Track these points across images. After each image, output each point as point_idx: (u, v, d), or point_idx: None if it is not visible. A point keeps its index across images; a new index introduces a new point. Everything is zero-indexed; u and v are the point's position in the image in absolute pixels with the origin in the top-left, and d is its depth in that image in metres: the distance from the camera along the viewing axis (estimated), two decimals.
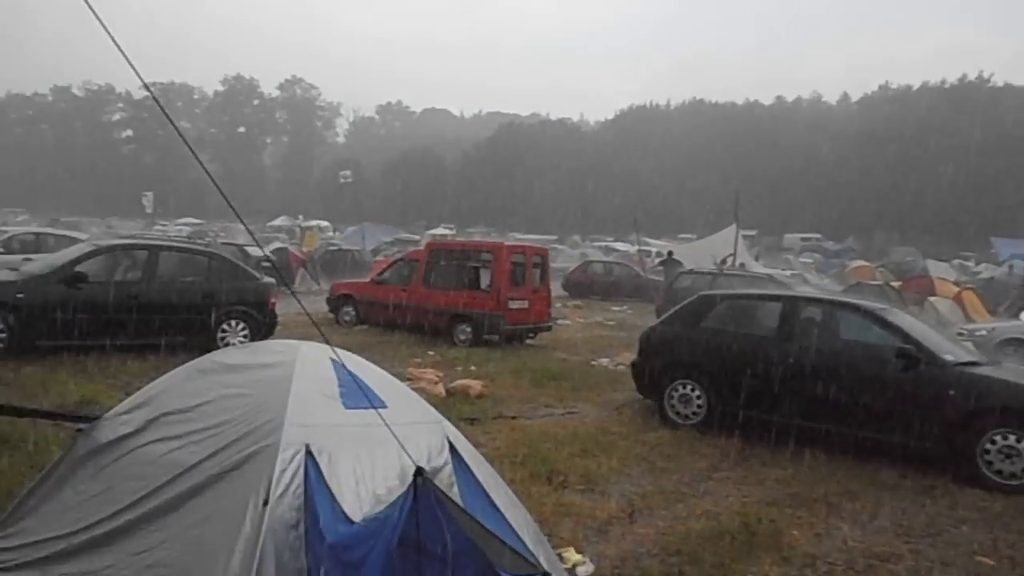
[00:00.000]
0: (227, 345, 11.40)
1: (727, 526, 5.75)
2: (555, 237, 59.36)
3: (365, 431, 3.42)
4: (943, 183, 66.92)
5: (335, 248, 32.34)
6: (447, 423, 4.00)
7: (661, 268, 26.47)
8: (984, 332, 15.10)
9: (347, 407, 3.55)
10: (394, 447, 3.34)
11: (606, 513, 5.88)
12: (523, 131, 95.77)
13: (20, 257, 16.07)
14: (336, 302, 16.65)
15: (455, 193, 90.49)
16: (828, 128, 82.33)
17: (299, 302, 3.70)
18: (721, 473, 7.31)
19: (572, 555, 5.01)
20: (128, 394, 7.85)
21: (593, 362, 13.59)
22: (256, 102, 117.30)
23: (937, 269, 33.57)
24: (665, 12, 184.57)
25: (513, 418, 8.87)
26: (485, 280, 14.76)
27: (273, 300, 12.44)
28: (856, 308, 8.86)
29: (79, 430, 3.99)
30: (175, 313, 11.29)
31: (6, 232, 20.61)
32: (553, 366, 12.56)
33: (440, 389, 9.54)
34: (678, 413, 9.04)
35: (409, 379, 9.43)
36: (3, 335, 10.04)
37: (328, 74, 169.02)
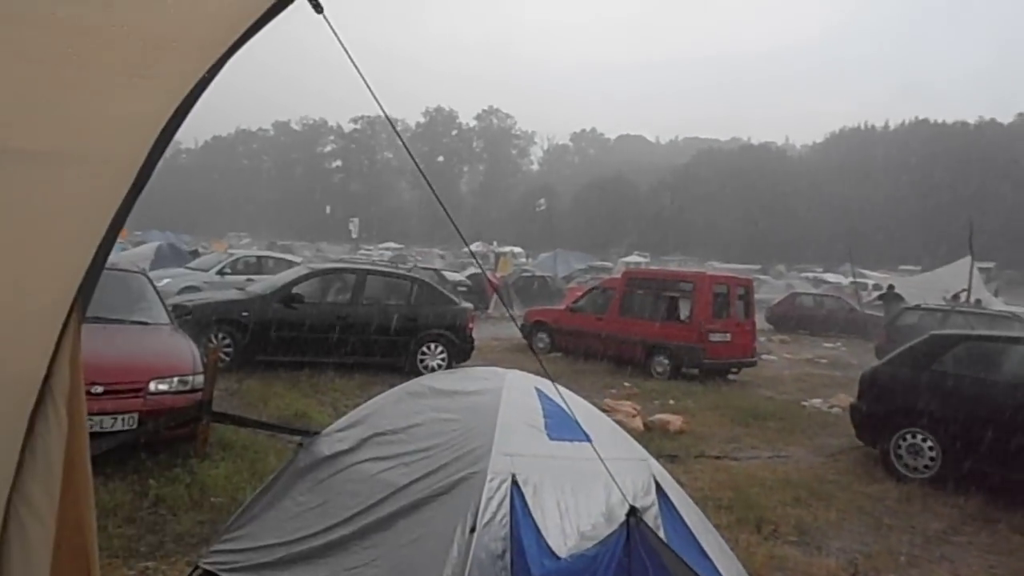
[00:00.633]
0: (426, 367, 11.85)
1: None
2: (758, 267, 56.91)
3: (570, 464, 3.37)
4: None
5: (528, 274, 32.90)
6: (653, 460, 3.85)
7: (880, 303, 24.56)
8: None
9: (551, 438, 3.51)
10: (600, 482, 3.27)
11: (824, 571, 5.34)
12: (722, 156, 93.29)
13: (244, 278, 17.72)
14: (531, 328, 16.69)
15: (649, 220, 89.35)
16: None
17: (517, 326, 3.64)
18: (961, 537, 6.45)
19: None
20: (336, 409, 8.47)
21: (804, 403, 12.66)
22: (454, 132, 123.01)
23: None
24: (880, 28, 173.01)
25: (717, 458, 8.41)
26: (685, 311, 14.33)
27: (471, 325, 12.71)
28: None
29: (300, 444, 4.21)
30: (379, 334, 11.75)
31: (233, 255, 22.45)
32: (758, 404, 11.88)
33: (638, 423, 9.26)
34: (906, 465, 8.12)
35: (606, 410, 9.16)
36: (229, 349, 10.72)
37: (523, 104, 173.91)
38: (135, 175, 1.83)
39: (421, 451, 3.52)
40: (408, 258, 49.95)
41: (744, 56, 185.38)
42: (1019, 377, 7.80)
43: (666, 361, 13.99)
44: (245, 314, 11.01)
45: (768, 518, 6.30)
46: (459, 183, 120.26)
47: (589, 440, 3.46)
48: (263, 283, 13.05)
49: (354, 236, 63.33)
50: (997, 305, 26.11)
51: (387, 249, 68.05)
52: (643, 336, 14.34)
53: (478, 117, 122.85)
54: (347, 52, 2.01)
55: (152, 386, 6.21)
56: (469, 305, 13.48)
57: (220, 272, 19.28)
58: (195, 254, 26.79)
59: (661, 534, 3.34)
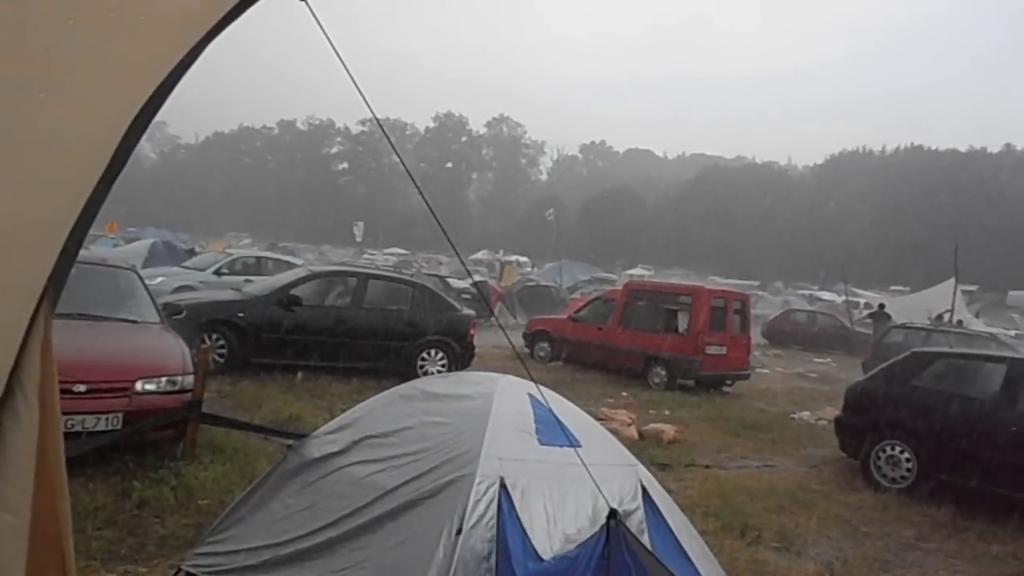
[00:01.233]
0: (425, 373, 11.73)
1: None
2: (756, 283, 57.34)
3: (558, 469, 3.45)
4: None
5: (533, 284, 33.04)
6: (641, 467, 3.97)
7: (870, 321, 25.12)
8: None
9: (542, 443, 3.59)
10: (587, 487, 3.35)
11: (802, 575, 5.64)
12: (727, 174, 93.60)
13: (242, 278, 17.29)
14: (533, 337, 16.99)
15: (655, 234, 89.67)
16: None
17: (507, 338, 3.92)
18: (931, 544, 6.81)
19: None
20: (332, 414, 8.31)
21: (793, 415, 13.03)
22: (464, 139, 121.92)
23: None
24: (881, 50, 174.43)
25: (707, 467, 8.67)
26: (683, 323, 14.60)
27: (472, 332, 12.70)
28: None
29: (289, 446, 4.23)
30: (379, 339, 11.64)
31: (231, 255, 21.84)
32: (750, 416, 12.19)
33: (633, 431, 9.51)
34: (884, 475, 8.51)
35: (602, 419, 9.52)
36: (223, 351, 10.54)
37: (533, 114, 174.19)
38: (108, 161, 1.75)
39: (411, 454, 3.54)
40: (413, 264, 50.09)
41: (750, 78, 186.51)
42: (990, 393, 8.19)
43: (663, 372, 14.26)
44: (241, 315, 10.85)
45: (752, 525, 6.54)
46: (467, 190, 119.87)
47: (579, 446, 3.56)
48: (261, 284, 12.88)
49: (358, 240, 62.79)
50: (977, 326, 26.92)
51: (392, 254, 67.81)
52: (642, 347, 14.63)
53: (488, 125, 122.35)
54: (333, 46, 1.95)
55: (138, 386, 6.06)
56: (471, 312, 13.45)
57: (217, 272, 18.81)
58: (191, 253, 26.01)
59: (645, 538, 3.46)
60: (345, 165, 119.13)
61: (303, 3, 1.79)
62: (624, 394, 13.07)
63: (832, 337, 27.18)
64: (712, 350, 14.35)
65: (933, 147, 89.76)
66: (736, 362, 15.00)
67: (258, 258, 21.93)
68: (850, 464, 9.20)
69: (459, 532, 3.05)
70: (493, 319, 23.62)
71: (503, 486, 3.24)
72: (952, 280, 26.05)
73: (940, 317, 24.09)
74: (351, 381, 10.92)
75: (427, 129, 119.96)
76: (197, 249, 30.17)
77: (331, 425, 4.25)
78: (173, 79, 1.72)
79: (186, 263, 21.10)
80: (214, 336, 10.53)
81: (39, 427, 1.83)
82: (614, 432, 8.02)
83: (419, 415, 3.89)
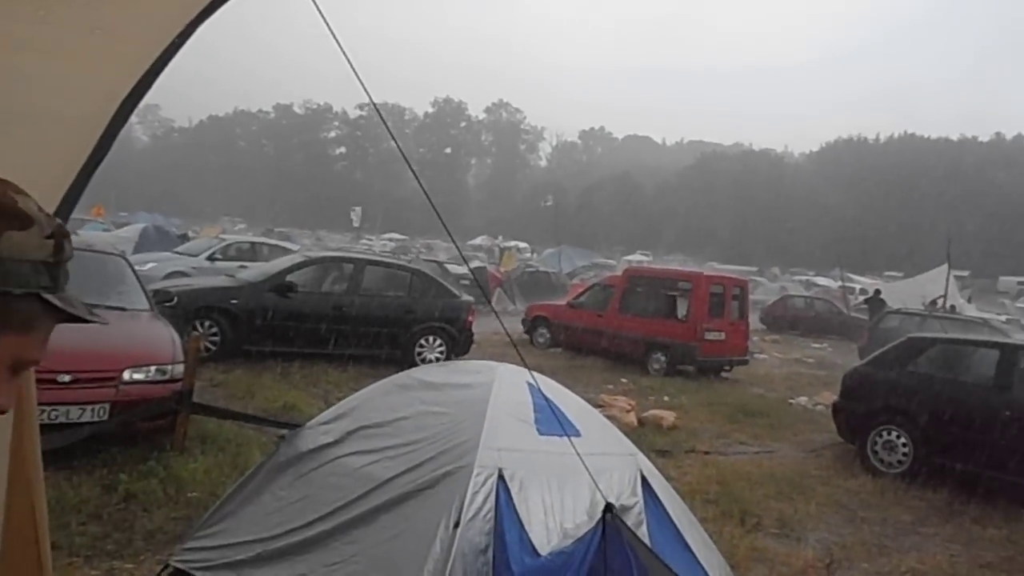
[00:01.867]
0: (424, 360, 11.68)
1: None
2: (754, 269, 57.33)
3: (558, 459, 3.36)
4: None
5: (532, 270, 32.94)
6: (641, 456, 3.89)
7: (865, 306, 25.17)
8: None
9: (541, 433, 3.51)
10: (586, 478, 3.27)
11: (802, 561, 5.58)
12: (725, 160, 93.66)
13: (236, 264, 17.08)
14: (532, 323, 16.90)
15: (653, 220, 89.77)
16: None
17: (502, 324, 3.82)
18: (928, 528, 6.81)
19: None
20: (327, 403, 8.10)
21: (791, 400, 13.01)
22: (463, 124, 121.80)
23: None
24: (877, 42, 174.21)
25: (706, 453, 8.64)
26: (682, 309, 14.55)
27: (470, 318, 12.59)
28: None
29: (281, 436, 4.12)
30: (376, 326, 11.48)
31: (225, 240, 21.51)
32: (749, 402, 12.16)
33: (632, 418, 9.46)
34: (881, 460, 8.50)
35: (601, 406, 9.49)
36: (216, 338, 10.36)
37: (532, 100, 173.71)
38: (93, 146, 1.69)
39: (407, 445, 3.46)
40: (411, 249, 49.94)
41: (749, 67, 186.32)
42: (984, 378, 8.23)
43: (663, 358, 14.23)
44: (234, 302, 10.65)
45: (752, 511, 6.51)
46: (466, 176, 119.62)
47: (578, 435, 3.48)
48: (255, 270, 12.67)
49: (356, 225, 62.48)
50: (970, 311, 27.05)
51: (390, 240, 67.67)
52: (641, 333, 14.58)
53: (487, 110, 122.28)
54: (330, 29, 1.90)
55: (126, 375, 5.89)
56: (470, 298, 13.32)
57: (210, 258, 18.54)
58: (184, 238, 25.46)
59: (644, 530, 3.40)
60: (343, 150, 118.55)
61: None
62: (623, 380, 13.05)
63: (829, 322, 27.27)
64: (711, 336, 14.31)
65: (926, 136, 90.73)
66: (735, 348, 14.97)
67: (253, 243, 21.59)
68: (848, 449, 9.18)
69: (457, 525, 2.98)
70: (497, 305, 23.70)
71: (501, 477, 3.16)
72: (945, 266, 26.14)
73: (934, 303, 24.11)
74: (348, 369, 10.76)
75: (426, 114, 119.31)
76: (190, 234, 29.78)
77: (326, 415, 4.15)
78: (163, 61, 1.66)
79: (178, 248, 20.72)
80: (207, 323, 10.38)
81: (13, 420, 1.75)
82: (614, 419, 8.03)
83: (416, 404, 3.80)
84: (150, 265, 16.30)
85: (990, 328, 19.07)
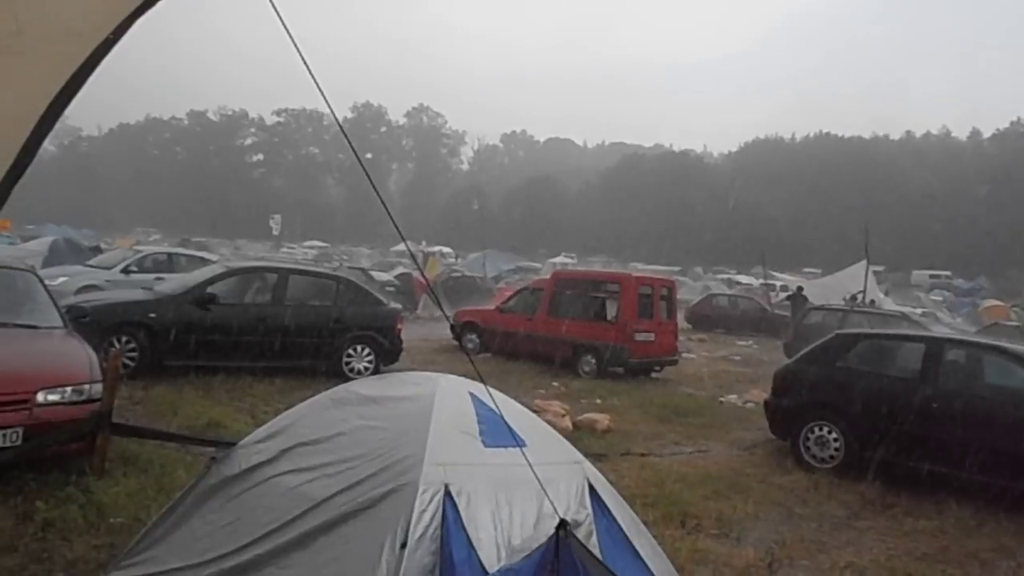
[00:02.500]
0: (352, 370, 11.51)
1: None
2: (677, 268, 58.48)
3: (504, 472, 3.28)
4: None
5: (458, 275, 32.87)
6: (587, 463, 3.83)
7: (788, 303, 25.91)
8: None
9: (486, 445, 3.42)
10: (534, 490, 3.21)
11: (744, 561, 5.60)
12: (646, 162, 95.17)
13: (153, 276, 16.40)
14: (460, 329, 16.65)
15: (576, 222, 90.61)
16: (958, 164, 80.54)
17: (461, 344, 3.65)
18: (863, 522, 6.93)
19: None
20: (254, 417, 8.05)
21: (721, 399, 13.21)
22: (383, 129, 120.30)
23: None
24: (791, 44, 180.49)
25: (642, 455, 8.65)
26: (611, 311, 14.61)
27: (400, 326, 12.42)
28: (1004, 351, 8.36)
29: (212, 458, 3.95)
30: (302, 337, 11.21)
31: (140, 251, 20.68)
32: (680, 401, 12.28)
33: (567, 422, 9.39)
34: (814, 456, 8.65)
35: (536, 410, 9.39)
36: (134, 354, 9.99)
37: (453, 104, 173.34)
38: (14, 157, 1.63)
39: (346, 461, 3.32)
40: (333, 257, 49.21)
41: (666, 67, 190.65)
42: (911, 371, 8.46)
43: (593, 360, 14.23)
44: (153, 316, 10.26)
45: (691, 513, 6.53)
46: (388, 181, 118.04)
47: (524, 445, 3.40)
48: (174, 282, 12.24)
49: (276, 234, 61.07)
50: (888, 305, 28.20)
51: (311, 247, 66.60)
52: (571, 336, 14.54)
53: (408, 115, 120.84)
54: (292, 38, 1.86)
55: (40, 397, 5.59)
56: (398, 306, 13.17)
57: (125, 270, 17.74)
58: (96, 250, 24.39)
59: (594, 539, 3.34)
60: (260, 157, 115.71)
61: None
62: (555, 384, 13.04)
63: (753, 320, 27.92)
64: (641, 337, 14.41)
65: (840, 135, 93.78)
66: (664, 348, 15.12)
67: (170, 254, 20.71)
68: (780, 446, 9.33)
69: (404, 545, 2.85)
70: (423, 311, 23.47)
71: (448, 494, 3.04)
72: (864, 262, 27.06)
73: (854, 298, 24.98)
74: (274, 381, 10.48)
75: (345, 119, 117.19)
76: (103, 246, 28.56)
77: (259, 433, 3.98)
78: (85, 70, 1.56)
79: (91, 261, 19.82)
80: (124, 339, 9.95)
81: None
82: (549, 424, 7.91)
83: (354, 419, 3.65)
84: (61, 279, 15.59)
85: (909, 321, 19.90)
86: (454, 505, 3.03)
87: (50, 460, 5.69)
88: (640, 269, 44.59)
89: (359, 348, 11.84)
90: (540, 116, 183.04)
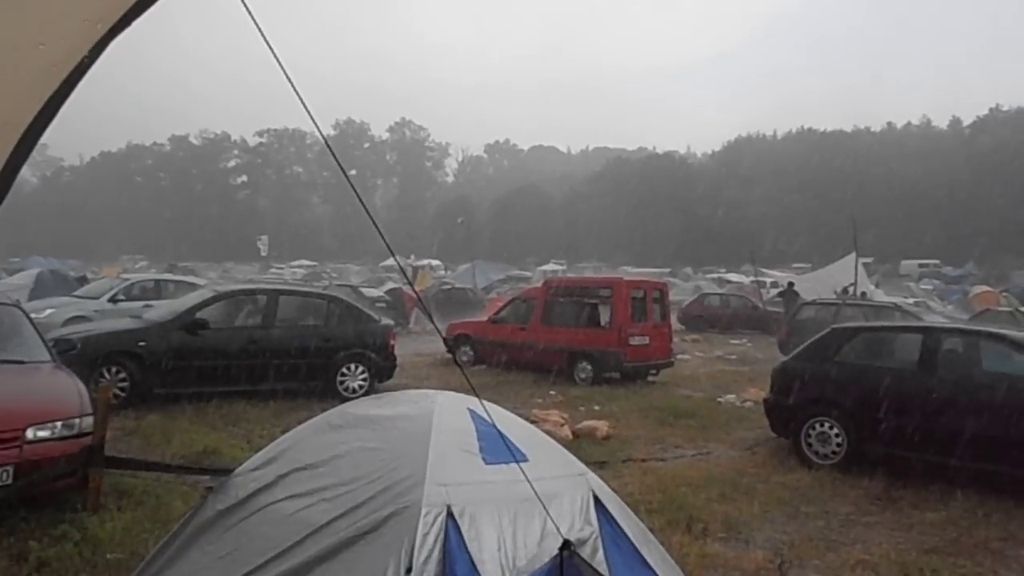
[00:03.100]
0: (347, 389, 11.43)
1: None
2: (667, 270, 58.61)
3: (507, 489, 3.18)
4: None
5: (448, 287, 32.80)
6: (591, 474, 3.74)
7: (780, 299, 25.90)
8: None
9: (487, 462, 3.33)
10: (537, 507, 3.11)
11: (753, 564, 5.54)
12: (630, 165, 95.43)
13: (141, 304, 16.33)
14: (453, 342, 16.55)
15: (564, 229, 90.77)
16: (940, 153, 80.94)
17: (454, 357, 3.59)
18: (870, 517, 6.87)
19: None
20: (250, 443, 7.96)
21: (719, 399, 13.14)
22: (367, 145, 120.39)
23: None
24: (768, 43, 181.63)
25: (643, 461, 8.58)
26: (605, 316, 14.59)
27: (392, 342, 12.35)
28: (1002, 338, 8.34)
29: (208, 488, 3.89)
30: (295, 358, 11.14)
31: (127, 279, 20.49)
32: (678, 404, 12.21)
33: (567, 431, 9.33)
34: (816, 452, 8.60)
35: (534, 421, 9.34)
36: (125, 384, 9.92)
37: (436, 116, 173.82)
38: None
39: (344, 484, 3.23)
40: (322, 275, 49.02)
41: (645, 72, 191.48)
42: (909, 362, 8.42)
43: (589, 367, 14.17)
44: (142, 344, 10.16)
45: (697, 517, 6.46)
46: (373, 197, 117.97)
47: (526, 460, 3.32)
48: (162, 309, 12.13)
49: (263, 254, 61.06)
50: (880, 296, 28.20)
51: (300, 267, 66.38)
52: (566, 343, 14.49)
53: (390, 129, 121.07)
54: (272, 50, 1.82)
55: (30, 433, 5.49)
56: (390, 322, 13.13)
57: (112, 299, 17.62)
58: (83, 280, 24.32)
59: (601, 554, 3.23)
60: (244, 178, 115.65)
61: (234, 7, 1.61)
62: (552, 392, 12.94)
63: (746, 318, 27.95)
64: (635, 341, 14.34)
65: (821, 129, 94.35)
66: (659, 351, 15.05)
67: (157, 281, 20.71)
68: (781, 444, 9.28)
69: (409, 571, 2.73)
70: (416, 326, 23.39)
71: (450, 515, 2.94)
72: (853, 255, 27.07)
73: (846, 291, 25.01)
74: (268, 404, 10.38)
75: (328, 137, 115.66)
76: (89, 276, 28.45)
77: (255, 460, 3.87)
78: (60, 96, 1.50)
79: (77, 292, 19.72)
80: (114, 369, 9.87)
81: None
82: (549, 434, 7.82)
83: (352, 441, 3.55)
84: (48, 312, 15.53)
85: (902, 312, 19.91)
86: (456, 526, 2.93)
87: (43, 497, 5.58)
88: (630, 272, 44.66)
89: (353, 366, 11.75)
90: (523, 125, 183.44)
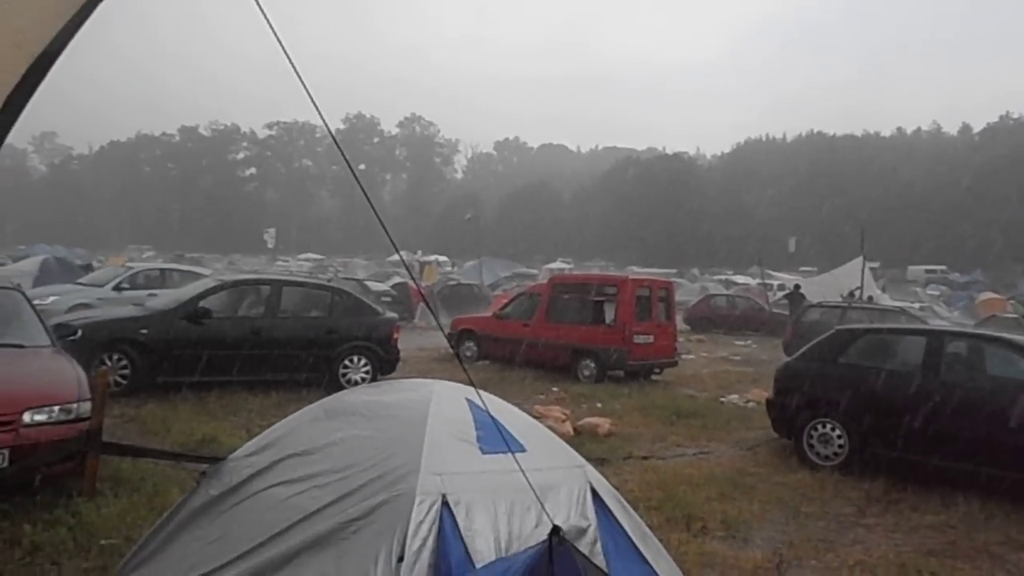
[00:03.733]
0: (349, 381, 11.36)
1: None
2: (674, 271, 58.48)
3: (504, 479, 3.15)
4: None
5: (454, 283, 32.80)
6: (590, 467, 3.71)
7: (786, 302, 25.87)
8: None
9: (484, 452, 3.30)
10: (533, 496, 3.07)
11: (751, 563, 5.50)
12: (640, 165, 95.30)
13: (145, 293, 16.27)
14: (458, 337, 16.61)
15: (572, 227, 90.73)
16: (949, 159, 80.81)
17: (450, 345, 3.57)
18: (870, 519, 6.83)
19: None
20: (249, 432, 7.75)
21: (722, 399, 13.10)
22: (376, 140, 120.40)
23: None
24: (779, 45, 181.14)
25: (644, 458, 8.53)
26: (609, 314, 14.54)
27: (396, 335, 12.30)
28: (1005, 342, 8.28)
29: (202, 473, 3.87)
30: (298, 349, 11.12)
31: (132, 268, 20.47)
32: (681, 403, 12.16)
33: (568, 427, 9.30)
34: (817, 453, 8.54)
35: (536, 416, 9.31)
36: (126, 371, 9.91)
37: (446, 112, 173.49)
38: None
39: (337, 471, 3.20)
40: (329, 268, 49.08)
41: (655, 71, 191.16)
42: (912, 365, 8.35)
43: (592, 364, 14.13)
44: (144, 332, 10.12)
45: (696, 515, 6.43)
46: (382, 191, 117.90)
47: (523, 451, 3.31)
48: (165, 297, 12.08)
49: (270, 247, 60.93)
50: (886, 300, 28.20)
51: (307, 260, 66.52)
52: (570, 340, 14.45)
53: (400, 125, 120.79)
54: (285, 51, 1.79)
55: (27, 417, 5.47)
56: (394, 315, 13.06)
57: (117, 287, 17.60)
58: (88, 268, 24.34)
59: (598, 547, 3.20)
60: (253, 171, 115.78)
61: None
62: (555, 389, 12.93)
63: (751, 320, 27.88)
64: (640, 339, 14.31)
65: (831, 133, 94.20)
66: (664, 350, 15.00)
67: (163, 270, 20.54)
68: (783, 444, 9.23)
69: (401, 559, 2.70)
70: (421, 320, 23.40)
71: (445, 503, 2.91)
72: (860, 258, 27.12)
73: (852, 294, 24.99)
74: (270, 395, 10.35)
75: (337, 131, 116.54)
76: (95, 264, 28.55)
77: (249, 446, 3.85)
78: (29, 83, 1.48)
79: (82, 280, 19.63)
80: (115, 356, 9.84)
81: None
82: (550, 429, 7.80)
83: (347, 429, 3.52)
84: (52, 298, 15.47)
85: (908, 316, 19.93)
86: (452, 515, 2.90)
87: (39, 482, 5.54)
88: (637, 272, 44.54)
89: (355, 359, 11.71)
90: (533, 123, 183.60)
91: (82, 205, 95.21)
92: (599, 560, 3.12)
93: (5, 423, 5.38)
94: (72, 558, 4.71)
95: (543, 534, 2.95)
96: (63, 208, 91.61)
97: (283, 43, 1.71)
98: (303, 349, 11.21)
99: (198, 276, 16.81)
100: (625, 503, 3.79)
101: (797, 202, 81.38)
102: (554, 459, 3.64)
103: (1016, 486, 7.18)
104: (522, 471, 3.05)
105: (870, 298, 25.51)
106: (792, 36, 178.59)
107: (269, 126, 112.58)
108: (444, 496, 2.94)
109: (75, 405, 5.75)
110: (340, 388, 10.68)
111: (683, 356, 17.46)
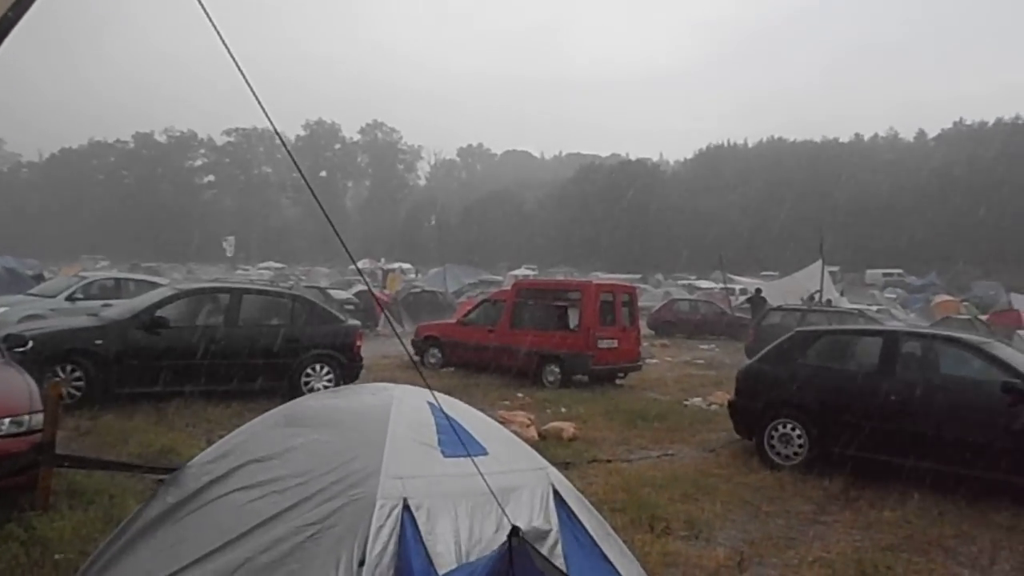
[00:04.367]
0: (312, 389, 11.19)
1: (843, 575, 5.45)
2: (638, 276, 58.96)
3: (465, 482, 3.14)
4: (1023, 216, 64.83)
5: (418, 290, 32.71)
6: (552, 469, 3.71)
7: (748, 306, 26.24)
8: None
9: (446, 455, 3.28)
10: (495, 500, 3.08)
11: (714, 562, 5.57)
12: (603, 171, 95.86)
13: (99, 303, 15.81)
14: (422, 344, 16.57)
15: (536, 234, 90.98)
16: (906, 164, 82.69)
17: (405, 348, 3.55)
18: (829, 516, 6.97)
19: None
20: (210, 442, 7.55)
21: (686, 402, 13.23)
22: (338, 146, 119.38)
23: (1021, 302, 32.05)
24: (739, 52, 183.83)
25: (608, 461, 8.57)
26: (574, 320, 14.56)
27: (359, 343, 12.23)
28: (958, 342, 8.55)
29: (160, 481, 3.80)
30: (259, 358, 10.99)
31: (86, 278, 19.72)
32: (645, 407, 12.23)
33: (533, 432, 9.30)
34: (778, 453, 8.67)
35: (500, 422, 9.30)
36: (80, 383, 9.71)
37: (409, 118, 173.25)
38: None
39: (296, 476, 3.17)
40: (290, 277, 48.60)
41: (620, 77, 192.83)
42: (869, 365, 8.56)
43: (557, 369, 14.16)
44: (99, 342, 9.94)
45: (660, 516, 6.48)
46: (344, 199, 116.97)
47: (485, 454, 3.30)
48: (121, 307, 11.81)
49: (229, 255, 60.04)
50: (845, 304, 28.73)
51: (267, 268, 65.67)
52: (535, 346, 14.41)
53: (362, 131, 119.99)
54: (229, 50, 1.78)
55: None
56: (356, 323, 12.98)
57: (70, 298, 17.04)
58: (39, 279, 23.77)
59: (560, 548, 3.21)
60: (211, 178, 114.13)
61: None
62: (520, 394, 12.95)
63: (714, 323, 28.20)
64: (604, 344, 14.37)
65: (791, 139, 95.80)
66: (628, 354, 15.09)
67: (117, 280, 19.90)
68: (745, 446, 9.35)
69: (362, 563, 2.67)
70: (384, 328, 23.26)
71: (407, 507, 2.89)
72: (819, 263, 27.56)
73: (812, 297, 25.44)
74: (230, 405, 10.19)
75: (298, 138, 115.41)
76: (47, 275, 27.70)
77: (208, 453, 3.80)
78: None
79: (33, 290, 19.12)
80: (68, 368, 9.63)
81: None
82: (515, 434, 7.80)
83: (307, 434, 3.48)
84: (2, 310, 15.13)
85: (865, 318, 20.41)
86: (413, 519, 2.88)
87: None
88: (601, 278, 44.74)
89: (318, 367, 11.63)
90: (496, 130, 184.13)
91: (33, 214, 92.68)
92: (560, 562, 3.10)
93: None
94: (25, 574, 4.60)
95: (504, 538, 2.92)
96: (13, 218, 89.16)
97: (228, 46, 1.71)
98: (264, 358, 11.07)
99: (154, 286, 16.45)
100: (588, 505, 3.80)
101: (759, 207, 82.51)
102: (516, 462, 3.63)
103: (968, 482, 7.35)
104: (481, 474, 3.05)
105: (829, 301, 26.01)
106: (753, 42, 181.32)
107: (227, 132, 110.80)
108: (405, 500, 2.91)
109: (26, 417, 5.59)
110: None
111: (647, 360, 17.57)
